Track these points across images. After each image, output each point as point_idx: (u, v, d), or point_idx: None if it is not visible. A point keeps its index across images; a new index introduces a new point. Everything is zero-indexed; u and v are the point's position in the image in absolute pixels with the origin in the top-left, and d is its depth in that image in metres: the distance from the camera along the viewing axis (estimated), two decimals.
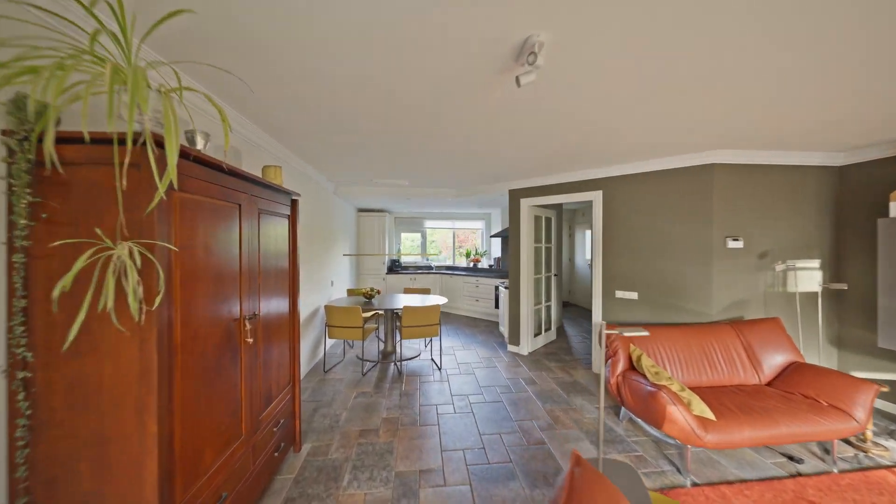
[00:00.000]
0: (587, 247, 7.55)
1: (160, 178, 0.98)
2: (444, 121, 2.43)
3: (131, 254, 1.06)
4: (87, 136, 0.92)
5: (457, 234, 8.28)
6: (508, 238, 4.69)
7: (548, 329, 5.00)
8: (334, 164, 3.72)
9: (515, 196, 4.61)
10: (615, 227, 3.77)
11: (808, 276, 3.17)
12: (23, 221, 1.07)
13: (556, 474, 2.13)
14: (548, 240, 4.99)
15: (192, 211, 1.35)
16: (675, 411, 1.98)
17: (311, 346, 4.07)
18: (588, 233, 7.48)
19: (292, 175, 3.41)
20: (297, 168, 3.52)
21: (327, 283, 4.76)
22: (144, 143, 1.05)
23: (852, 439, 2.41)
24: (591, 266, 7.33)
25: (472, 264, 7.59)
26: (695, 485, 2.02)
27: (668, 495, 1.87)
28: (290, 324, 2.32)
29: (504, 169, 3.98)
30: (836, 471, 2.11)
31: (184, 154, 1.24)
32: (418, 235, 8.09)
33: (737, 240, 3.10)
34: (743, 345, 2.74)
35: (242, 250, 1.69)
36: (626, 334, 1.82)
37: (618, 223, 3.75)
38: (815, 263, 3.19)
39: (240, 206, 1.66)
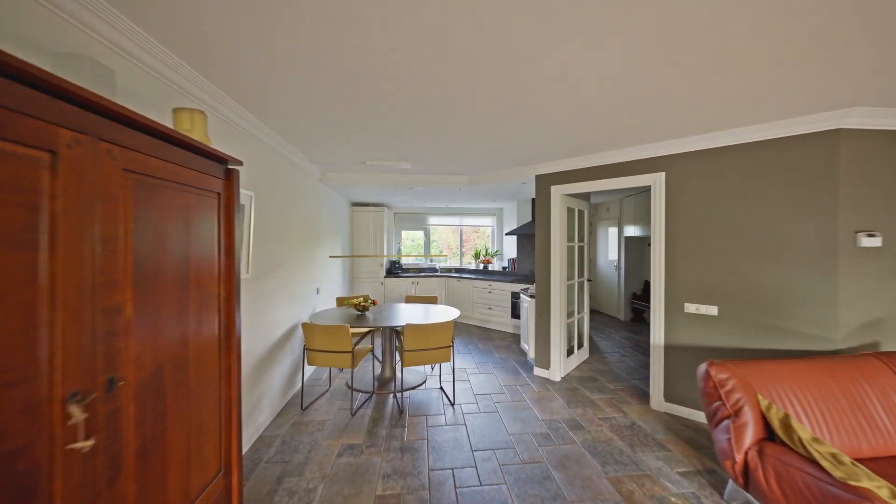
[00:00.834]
0: (611, 246, 6.65)
1: None
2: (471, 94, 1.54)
3: None
4: None
5: (463, 233, 7.38)
6: (535, 236, 3.80)
7: (580, 346, 4.11)
8: (316, 137, 2.83)
9: (545, 183, 3.71)
10: (683, 220, 2.87)
11: None
12: None
13: None
14: (580, 237, 4.10)
15: None
16: None
17: (287, 373, 3.17)
18: (612, 230, 6.59)
19: (258, 152, 2.52)
20: (267, 142, 2.63)
21: (310, 291, 3.86)
22: None
23: None
24: (617, 268, 6.44)
25: (481, 266, 6.69)
26: None
27: None
28: (222, 367, 1.42)
29: (533, 148, 3.09)
30: None
31: None
32: (421, 234, 7.20)
33: (873, 235, 2.21)
34: None
35: (91, 252, 0.81)
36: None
37: (687, 214, 2.85)
38: None
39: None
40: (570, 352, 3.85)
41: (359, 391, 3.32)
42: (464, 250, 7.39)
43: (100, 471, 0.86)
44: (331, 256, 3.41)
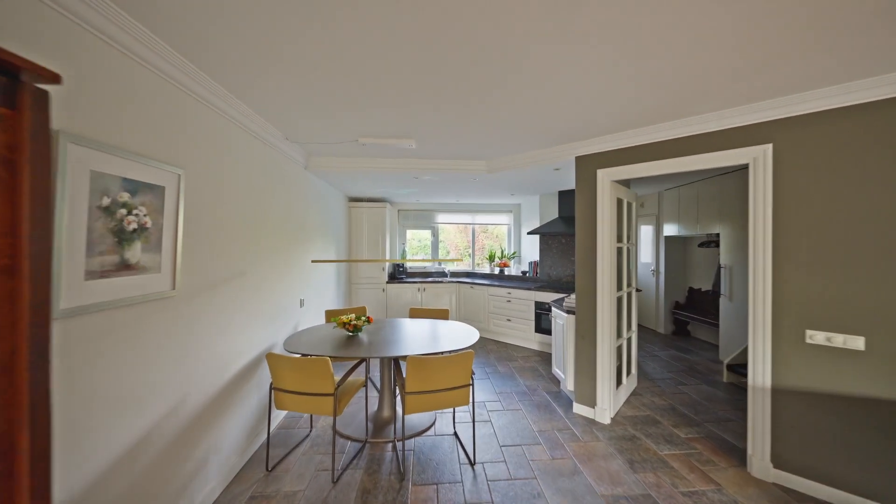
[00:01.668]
0: (644, 247, 5.77)
1: None
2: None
3: None
4: None
5: (468, 232, 6.56)
6: (576, 235, 2.97)
7: (629, 372, 3.26)
8: (292, 102, 2.05)
9: (588, 166, 2.88)
10: (802, 211, 2.02)
11: None
12: None
13: None
14: (629, 236, 3.26)
15: None
16: None
17: (253, 419, 2.40)
18: (646, 229, 5.71)
19: (191, 110, 1.74)
20: (211, 101, 1.86)
21: (291, 305, 3.09)
22: None
23: None
24: (654, 272, 5.56)
25: (497, 270, 5.88)
26: None
27: None
28: None
29: (575, 117, 2.27)
30: None
31: None
32: (428, 234, 6.40)
33: None
34: None
35: None
36: None
37: (808, 203, 2.00)
38: None
39: None
40: (618, 381, 3.01)
41: (347, 438, 2.54)
42: (472, 251, 6.57)
43: None
44: (313, 261, 2.63)
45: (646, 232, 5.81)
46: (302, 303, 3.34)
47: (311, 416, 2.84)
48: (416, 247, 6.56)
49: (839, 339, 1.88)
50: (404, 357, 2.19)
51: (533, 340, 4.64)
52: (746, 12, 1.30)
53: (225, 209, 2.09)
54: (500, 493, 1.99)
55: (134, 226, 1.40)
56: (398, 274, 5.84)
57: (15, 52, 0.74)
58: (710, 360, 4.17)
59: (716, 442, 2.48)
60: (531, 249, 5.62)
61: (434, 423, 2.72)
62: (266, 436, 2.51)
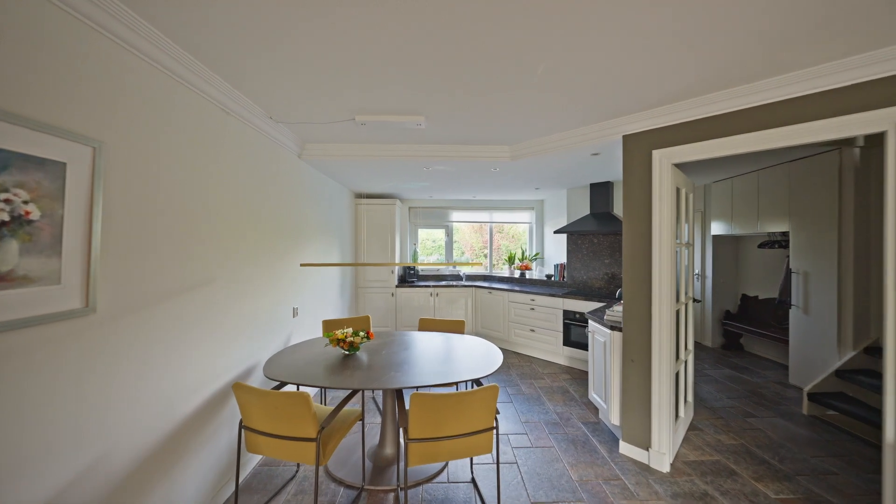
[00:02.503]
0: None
1: None
2: None
3: None
4: None
5: (484, 232, 6.01)
6: (623, 232, 2.40)
7: (685, 399, 2.66)
8: (264, 65, 1.59)
9: (640, 146, 2.31)
10: None
11: None
12: None
13: None
14: (688, 234, 2.66)
15: None
16: None
17: (223, 463, 1.95)
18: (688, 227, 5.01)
19: (118, 60, 1.30)
20: (189, 82, 1.42)
21: (283, 314, 2.65)
22: None
23: None
24: (699, 277, 4.87)
25: (517, 273, 5.31)
26: None
27: None
28: None
29: (624, 83, 1.71)
30: None
31: None
32: (441, 233, 5.90)
33: None
34: None
35: None
36: None
37: None
38: None
39: None
40: (675, 413, 2.42)
41: (340, 483, 2.06)
42: (486, 252, 6.02)
43: None
44: (302, 265, 2.17)
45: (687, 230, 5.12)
46: (295, 312, 2.90)
47: None
48: (429, 247, 6.07)
49: None
50: (408, 390, 1.70)
51: (561, 355, 4.06)
52: None
53: (182, 202, 1.64)
54: None
55: (3, 217, 0.95)
56: (409, 277, 5.36)
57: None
58: (777, 384, 3.49)
59: None
60: (556, 250, 5.04)
61: (446, 467, 2.21)
62: (234, 488, 2.05)
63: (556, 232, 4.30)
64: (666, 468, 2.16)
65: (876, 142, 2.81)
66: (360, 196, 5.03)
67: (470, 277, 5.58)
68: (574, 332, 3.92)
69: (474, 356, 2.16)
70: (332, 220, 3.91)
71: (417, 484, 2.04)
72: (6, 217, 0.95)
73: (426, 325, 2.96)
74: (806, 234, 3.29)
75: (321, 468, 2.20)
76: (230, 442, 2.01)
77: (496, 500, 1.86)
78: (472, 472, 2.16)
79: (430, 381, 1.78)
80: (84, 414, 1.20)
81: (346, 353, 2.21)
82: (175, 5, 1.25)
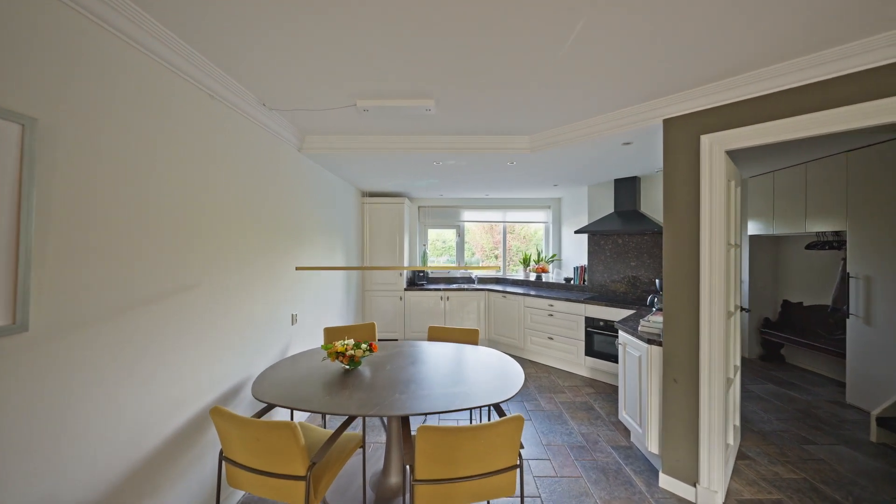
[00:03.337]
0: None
1: None
2: None
3: None
4: None
5: (494, 232, 5.70)
6: (664, 232, 2.07)
7: (733, 424, 2.31)
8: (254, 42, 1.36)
9: (684, 131, 1.99)
10: None
11: None
12: None
13: None
14: (736, 233, 2.31)
15: None
16: None
17: (204, 494, 1.71)
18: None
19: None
20: (168, 61, 1.19)
21: (280, 321, 2.41)
22: None
23: None
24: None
25: (532, 275, 5.00)
26: None
27: None
28: None
29: (669, 54, 1.40)
30: None
31: None
32: (452, 234, 5.63)
33: None
34: None
35: None
36: None
37: None
38: None
39: None
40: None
41: None
42: (497, 254, 5.72)
43: None
44: (298, 269, 1.93)
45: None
46: (294, 319, 2.66)
47: None
48: (439, 248, 5.80)
49: None
50: (414, 417, 1.43)
51: (582, 366, 3.73)
52: None
53: (156, 198, 1.41)
54: None
55: None
56: (418, 280, 5.10)
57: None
58: (831, 403, 3.09)
59: None
60: (575, 252, 4.70)
61: None
62: None
63: (576, 232, 3.97)
64: None
65: None
66: (367, 194, 4.80)
67: (482, 280, 5.29)
68: (597, 341, 3.59)
69: (491, 374, 1.87)
70: (336, 219, 3.68)
71: None
72: None
73: (436, 335, 2.69)
74: (868, 233, 2.89)
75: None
76: (215, 471, 1.78)
77: None
78: None
79: (440, 405, 1.51)
80: (32, 448, 0.97)
81: (347, 367, 1.96)
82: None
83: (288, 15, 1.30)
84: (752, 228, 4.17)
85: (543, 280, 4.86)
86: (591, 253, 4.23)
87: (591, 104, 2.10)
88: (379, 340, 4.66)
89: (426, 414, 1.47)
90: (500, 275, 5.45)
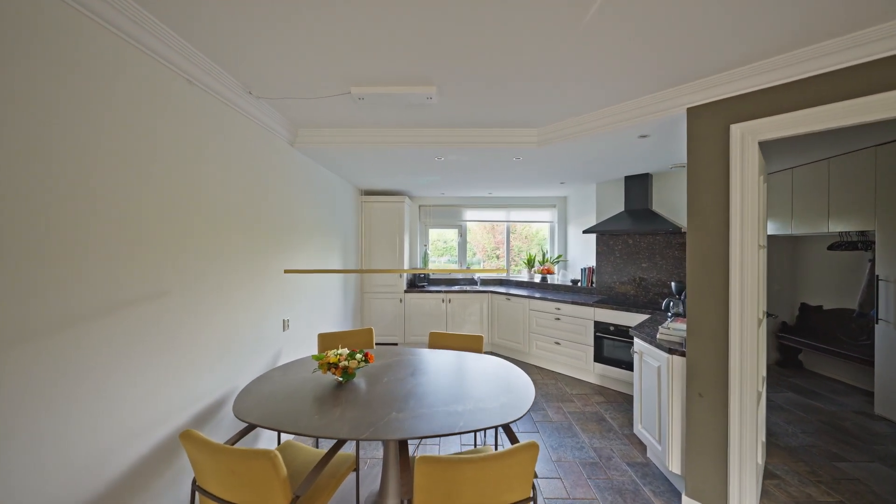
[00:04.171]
0: None
1: None
2: None
3: None
4: None
5: (496, 232, 5.52)
6: (687, 232, 1.89)
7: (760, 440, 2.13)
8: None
9: (711, 121, 1.81)
10: None
11: None
12: None
13: None
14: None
15: None
16: None
17: None
18: None
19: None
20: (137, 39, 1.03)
21: (269, 328, 2.24)
22: None
23: None
24: None
25: (537, 277, 4.82)
26: None
27: None
28: None
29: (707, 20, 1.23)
30: None
31: None
32: (454, 234, 5.45)
33: None
34: None
35: None
36: None
37: None
38: None
39: None
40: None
41: None
42: (499, 254, 5.54)
43: None
44: (286, 272, 1.76)
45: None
46: (286, 325, 2.49)
47: None
48: (441, 248, 5.63)
49: None
50: (411, 442, 1.26)
51: (591, 372, 3.55)
52: None
53: (125, 193, 1.25)
54: None
55: None
56: (419, 281, 4.93)
57: None
58: (858, 414, 2.90)
59: None
60: (582, 252, 4.52)
61: None
62: None
63: (585, 231, 3.79)
64: None
65: None
66: (365, 193, 4.63)
67: (485, 282, 5.11)
68: (607, 346, 3.41)
69: (497, 387, 1.70)
70: (333, 218, 3.51)
71: None
72: None
73: (437, 341, 2.52)
74: None
75: None
76: (188, 501, 1.61)
77: None
78: None
79: (442, 426, 1.33)
80: None
81: (339, 380, 1.78)
82: None
83: None
84: (769, 229, 3.98)
85: (549, 282, 4.68)
86: (600, 254, 4.04)
87: (606, 93, 1.92)
88: (378, 345, 4.52)
89: (426, 438, 1.29)
90: (503, 276, 5.27)
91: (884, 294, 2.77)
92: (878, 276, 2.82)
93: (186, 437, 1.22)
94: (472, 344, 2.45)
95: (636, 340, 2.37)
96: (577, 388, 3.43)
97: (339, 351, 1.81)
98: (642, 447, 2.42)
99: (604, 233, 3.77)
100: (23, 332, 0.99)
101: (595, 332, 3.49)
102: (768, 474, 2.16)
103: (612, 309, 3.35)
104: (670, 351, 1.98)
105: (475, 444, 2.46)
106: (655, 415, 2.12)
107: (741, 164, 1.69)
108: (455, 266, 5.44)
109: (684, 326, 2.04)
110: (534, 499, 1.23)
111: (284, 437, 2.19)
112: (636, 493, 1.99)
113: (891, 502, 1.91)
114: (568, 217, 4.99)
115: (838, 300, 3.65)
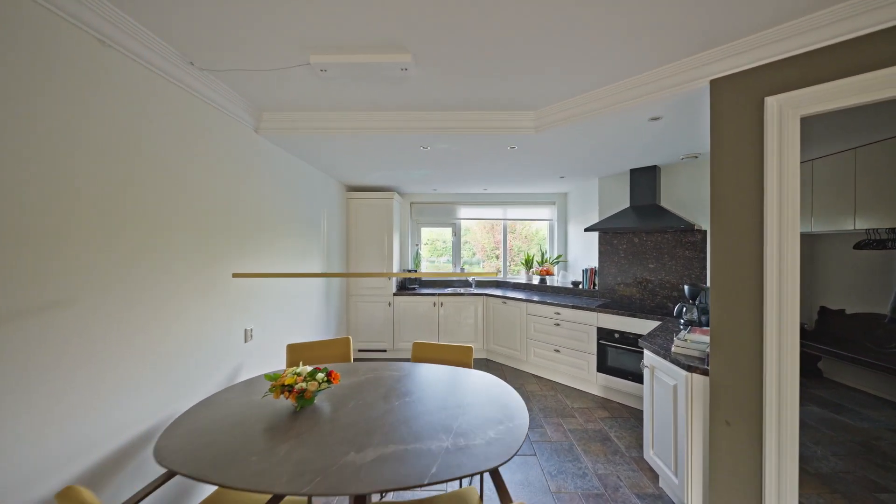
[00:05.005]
0: None
1: None
2: None
3: None
4: None
5: (495, 231, 5.22)
6: (710, 226, 1.60)
7: None
8: None
9: (743, 93, 1.51)
10: None
11: None
12: None
13: None
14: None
15: None
16: None
17: None
18: None
19: None
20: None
21: (228, 340, 1.94)
22: None
23: None
24: None
25: (535, 279, 4.52)
26: None
27: None
28: None
29: None
30: None
31: None
32: (448, 232, 5.16)
33: None
34: None
35: None
36: None
37: None
38: None
39: None
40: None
41: None
42: (499, 254, 5.24)
43: None
44: (234, 275, 1.47)
45: None
46: (248, 335, 2.19)
47: None
48: (440, 248, 5.32)
49: None
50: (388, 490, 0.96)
51: (594, 383, 3.25)
52: None
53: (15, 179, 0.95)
54: None
55: None
56: (409, 283, 4.63)
57: None
58: (894, 432, 2.60)
59: None
60: (584, 252, 4.23)
61: None
62: None
63: (586, 230, 3.50)
64: None
65: None
66: (352, 189, 4.34)
67: (480, 284, 4.81)
68: (611, 355, 3.11)
69: (487, 414, 1.40)
70: (313, 216, 3.21)
71: None
72: None
73: (422, 353, 2.21)
74: None
75: None
76: None
77: None
78: None
79: (409, 474, 1.04)
80: None
81: (295, 407, 1.48)
82: None
83: None
84: None
85: (548, 284, 4.39)
86: (603, 253, 3.75)
87: (614, 64, 1.63)
88: (362, 352, 4.21)
89: (386, 491, 1.00)
90: (499, 278, 4.97)
91: None
92: None
93: (65, 497, 0.92)
94: (460, 357, 2.15)
95: (647, 353, 2.07)
96: (578, 401, 3.13)
97: (299, 369, 1.52)
98: (653, 474, 2.13)
99: (607, 231, 3.48)
100: None
101: (598, 340, 3.19)
102: None
103: (617, 314, 3.05)
104: (689, 368, 1.68)
105: (461, 484, 2.16)
106: (671, 441, 1.82)
107: (779, 143, 1.40)
108: (448, 263, 5.14)
109: (705, 339, 1.75)
110: None
111: None
112: None
113: None
114: (568, 215, 4.69)
115: (862, 304, 3.36)
